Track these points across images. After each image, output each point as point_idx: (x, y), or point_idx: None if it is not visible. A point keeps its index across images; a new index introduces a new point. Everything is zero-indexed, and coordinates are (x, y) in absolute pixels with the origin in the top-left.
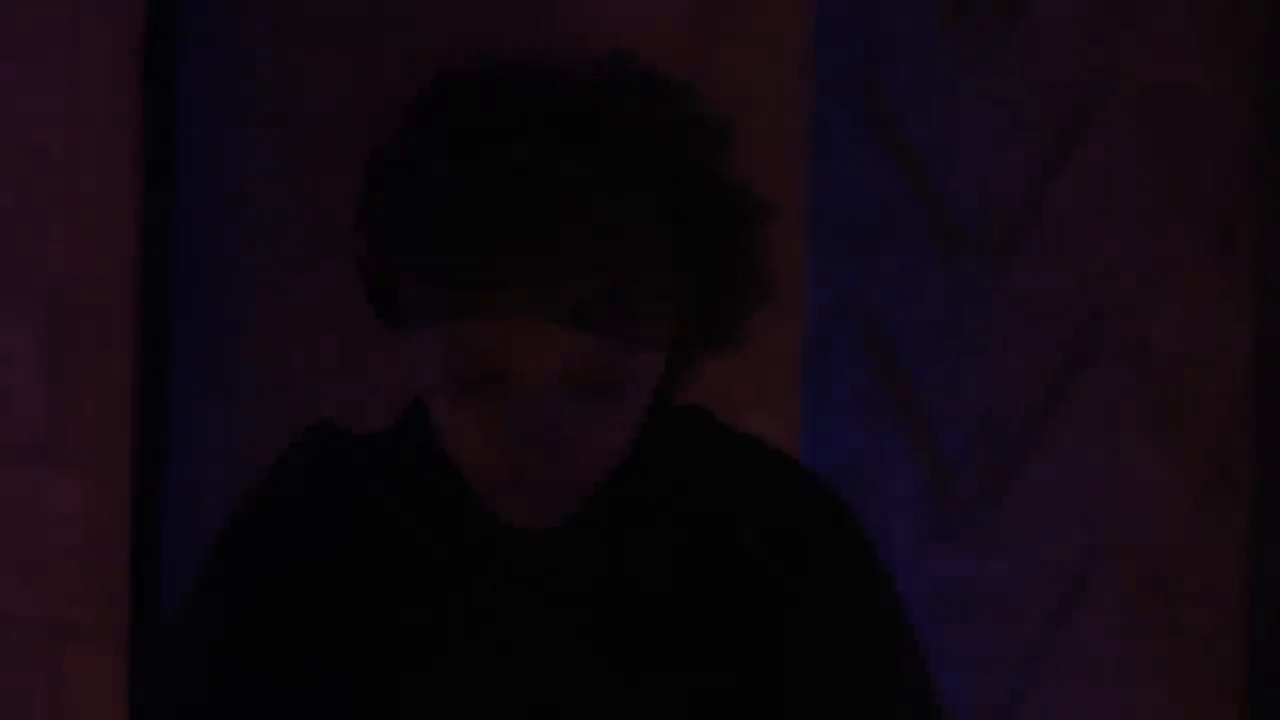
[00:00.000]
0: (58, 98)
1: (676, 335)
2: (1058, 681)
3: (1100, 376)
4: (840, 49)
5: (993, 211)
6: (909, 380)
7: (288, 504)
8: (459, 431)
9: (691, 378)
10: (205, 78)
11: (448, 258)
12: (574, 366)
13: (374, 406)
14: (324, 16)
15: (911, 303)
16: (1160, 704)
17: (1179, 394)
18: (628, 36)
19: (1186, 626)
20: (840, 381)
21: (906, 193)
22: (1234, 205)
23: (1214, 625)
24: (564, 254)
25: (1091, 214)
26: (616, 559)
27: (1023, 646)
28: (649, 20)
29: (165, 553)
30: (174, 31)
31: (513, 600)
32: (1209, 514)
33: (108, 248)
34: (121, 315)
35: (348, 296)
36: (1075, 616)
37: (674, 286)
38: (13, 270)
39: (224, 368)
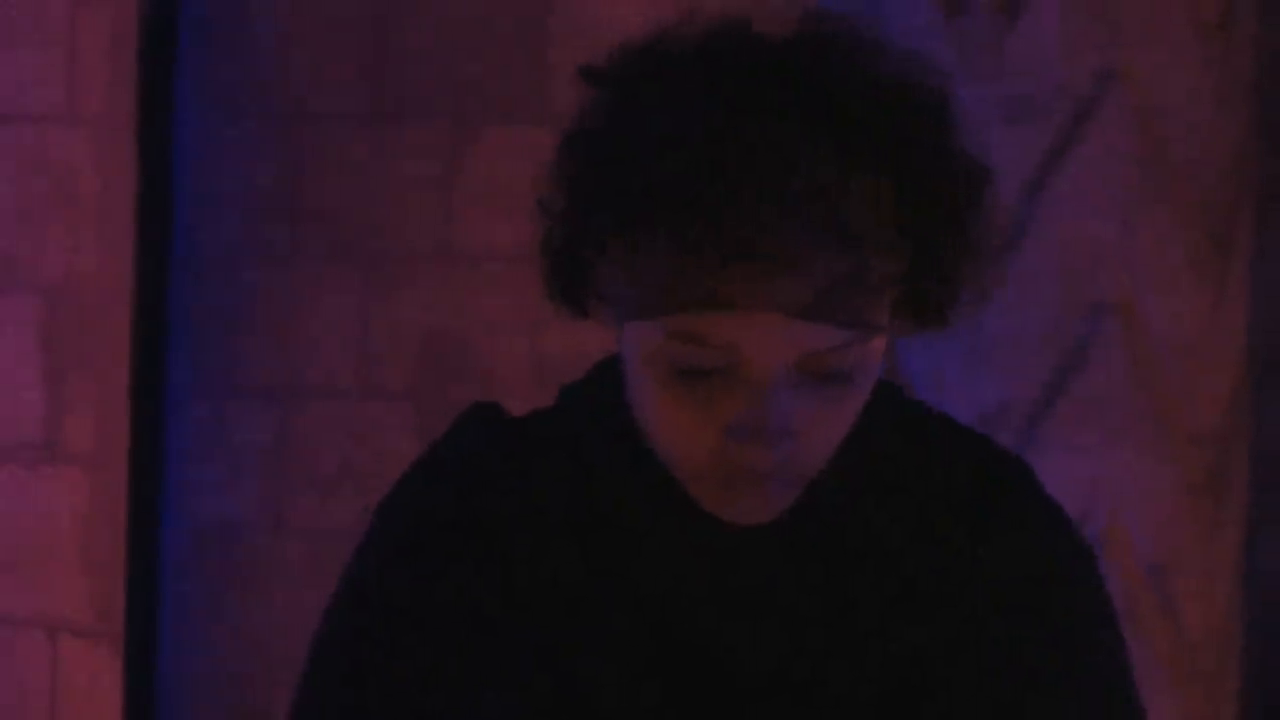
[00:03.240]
0: (55, 97)
1: (896, 315)
2: None
3: (1097, 376)
4: None
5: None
6: (909, 380)
7: (457, 492)
8: (673, 425)
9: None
10: (204, 76)
11: (673, 238)
12: (809, 358)
13: (373, 404)
14: (323, 16)
15: None
16: (1155, 701)
17: (1175, 393)
18: (626, 36)
19: (1182, 624)
20: None
21: None
22: (1229, 206)
23: (1209, 623)
24: (806, 239)
25: (1089, 214)
26: (827, 551)
27: None
28: (647, 21)
29: (163, 553)
30: (172, 30)
31: (722, 599)
32: (1205, 512)
33: (105, 247)
34: (119, 315)
35: (348, 295)
36: None
37: (902, 265)
38: (10, 270)
39: (221, 367)
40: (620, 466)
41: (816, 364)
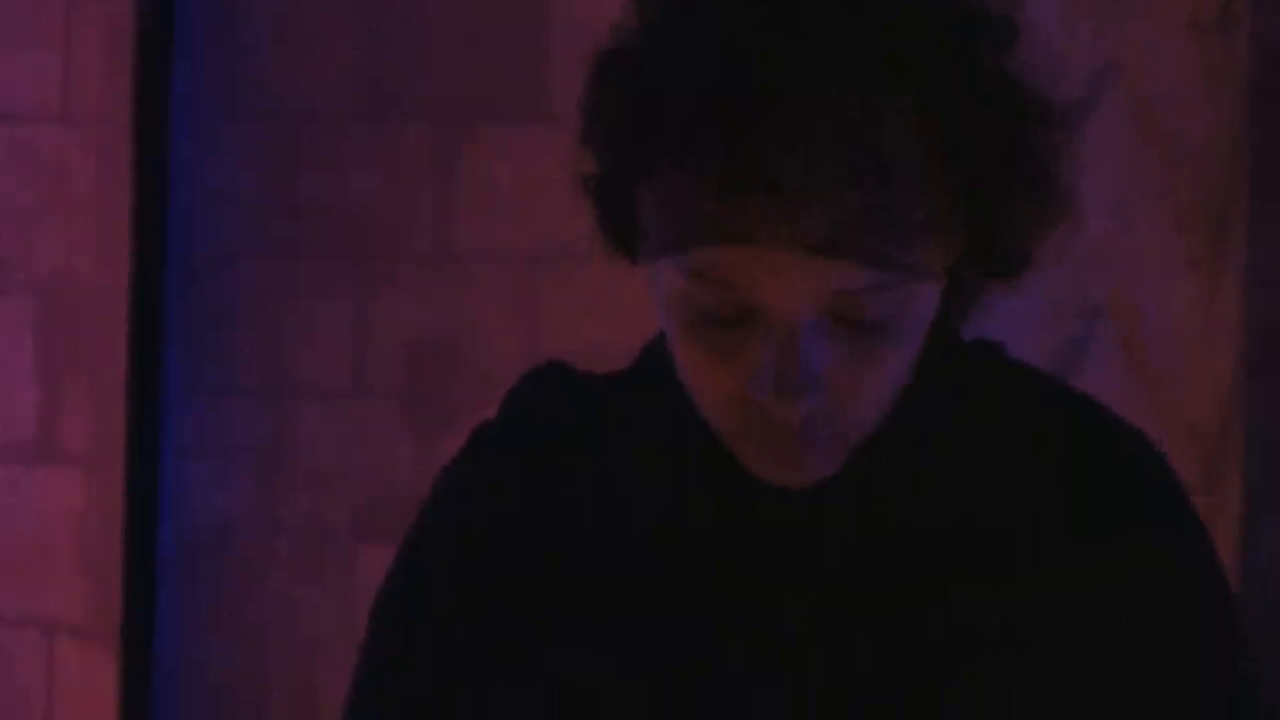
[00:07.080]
0: (51, 97)
1: (957, 262)
2: None
3: (1093, 372)
4: None
5: None
6: None
7: (517, 446)
8: (703, 375)
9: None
10: (199, 75)
11: (689, 170)
12: (836, 300)
13: (367, 403)
14: (317, 15)
15: None
16: None
17: (1171, 388)
18: None
19: None
20: None
21: None
22: (1225, 201)
23: None
24: (824, 164)
25: (1086, 213)
26: (886, 522)
27: None
28: None
29: (159, 552)
30: (169, 29)
31: (766, 569)
32: (1200, 506)
33: (100, 247)
34: (115, 314)
35: (343, 294)
36: None
37: (951, 204)
38: (5, 270)
39: (217, 366)
40: (665, 426)
41: (847, 309)
